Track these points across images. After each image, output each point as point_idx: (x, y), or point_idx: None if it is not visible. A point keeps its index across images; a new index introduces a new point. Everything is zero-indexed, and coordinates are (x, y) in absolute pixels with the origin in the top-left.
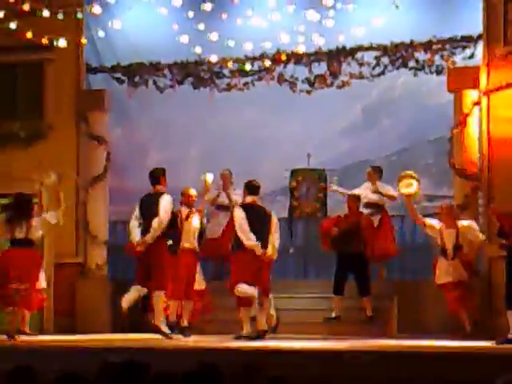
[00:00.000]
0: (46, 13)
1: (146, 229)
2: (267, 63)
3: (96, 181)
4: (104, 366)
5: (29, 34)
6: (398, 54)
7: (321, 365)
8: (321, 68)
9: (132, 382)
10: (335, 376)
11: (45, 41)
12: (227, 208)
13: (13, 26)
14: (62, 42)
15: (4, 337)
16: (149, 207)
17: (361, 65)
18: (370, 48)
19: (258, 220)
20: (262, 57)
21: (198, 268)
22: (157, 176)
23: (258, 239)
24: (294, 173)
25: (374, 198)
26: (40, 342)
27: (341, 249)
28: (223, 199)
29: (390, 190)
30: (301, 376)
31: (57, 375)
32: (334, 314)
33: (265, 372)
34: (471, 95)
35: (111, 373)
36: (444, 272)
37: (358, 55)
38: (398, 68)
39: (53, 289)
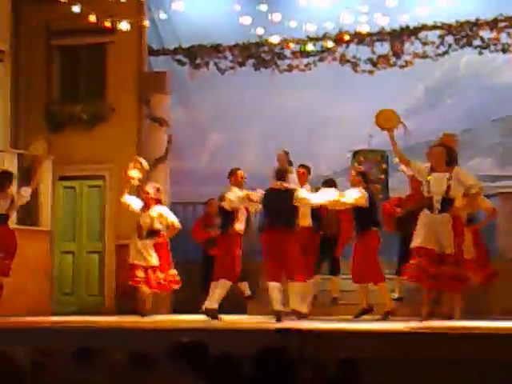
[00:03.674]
0: None
1: (273, 221)
2: (329, 44)
3: (157, 163)
4: (173, 347)
5: (92, 18)
6: (462, 33)
7: (385, 346)
8: (383, 48)
9: (198, 362)
10: (398, 357)
11: (107, 24)
12: None
13: (76, 9)
14: (124, 25)
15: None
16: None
17: (424, 44)
18: (434, 27)
19: None
20: (324, 37)
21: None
22: (284, 173)
23: None
24: (356, 154)
25: None
26: (101, 323)
27: (406, 230)
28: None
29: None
30: (365, 357)
31: (123, 356)
32: (396, 295)
33: (329, 354)
34: None
35: (180, 353)
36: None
37: (422, 34)
38: (462, 47)
39: (115, 271)
